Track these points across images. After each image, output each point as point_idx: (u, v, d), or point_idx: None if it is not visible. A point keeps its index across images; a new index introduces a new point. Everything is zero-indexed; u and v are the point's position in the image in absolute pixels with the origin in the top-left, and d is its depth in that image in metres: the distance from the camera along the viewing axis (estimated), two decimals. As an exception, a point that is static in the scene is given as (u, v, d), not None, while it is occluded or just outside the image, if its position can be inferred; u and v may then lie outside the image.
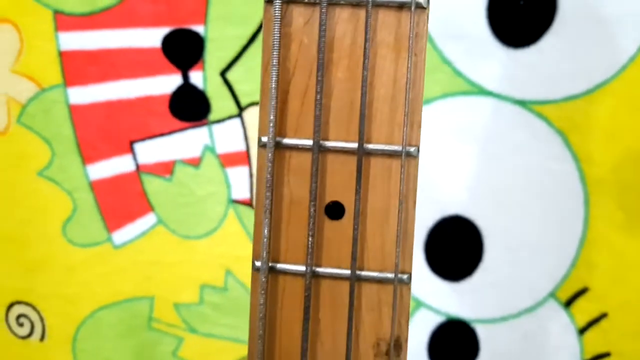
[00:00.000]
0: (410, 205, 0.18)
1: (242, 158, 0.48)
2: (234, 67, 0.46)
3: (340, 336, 0.18)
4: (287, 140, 0.18)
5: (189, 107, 0.47)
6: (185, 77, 0.47)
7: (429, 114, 0.45)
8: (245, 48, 0.46)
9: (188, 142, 0.48)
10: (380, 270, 0.18)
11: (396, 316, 0.18)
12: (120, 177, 0.49)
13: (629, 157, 0.45)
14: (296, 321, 0.18)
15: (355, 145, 0.18)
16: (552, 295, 0.47)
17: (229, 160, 0.48)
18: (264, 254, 0.18)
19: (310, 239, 0.18)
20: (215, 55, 0.46)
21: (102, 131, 0.48)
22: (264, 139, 0.18)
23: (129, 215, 0.49)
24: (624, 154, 0.44)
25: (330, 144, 0.18)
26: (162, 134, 0.48)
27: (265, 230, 0.17)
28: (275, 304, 0.18)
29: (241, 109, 0.47)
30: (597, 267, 0.46)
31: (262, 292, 0.18)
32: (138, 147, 0.48)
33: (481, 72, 0.44)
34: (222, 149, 0.48)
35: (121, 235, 0.50)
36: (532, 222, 0.46)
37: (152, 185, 0.49)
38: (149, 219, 0.49)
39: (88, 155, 0.49)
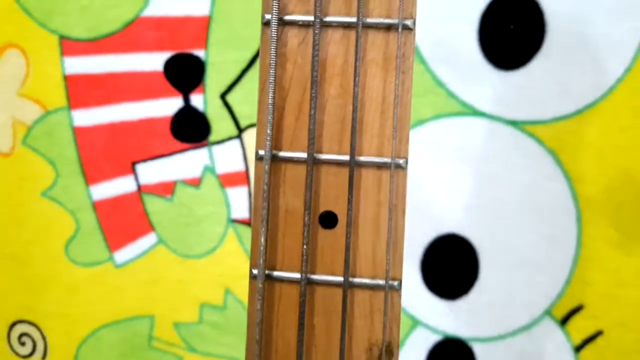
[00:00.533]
0: (400, 214, 0.19)
1: (242, 178, 0.49)
2: (234, 90, 0.48)
3: (334, 341, 0.19)
4: (283, 153, 0.19)
5: (190, 128, 0.48)
6: (186, 99, 0.48)
7: (423, 134, 0.46)
8: (244, 72, 0.47)
9: (189, 162, 0.49)
10: (372, 277, 0.19)
11: (387, 322, 0.19)
12: (122, 198, 0.50)
13: (620, 176, 0.46)
14: (292, 327, 0.19)
15: (347, 157, 0.19)
16: (548, 313, 0.47)
17: (228, 180, 0.49)
18: (261, 262, 0.19)
19: (305, 247, 0.18)
20: (216, 78, 0.47)
21: (105, 152, 0.50)
22: (261, 152, 0.19)
23: (131, 235, 0.50)
24: (615, 173, 0.45)
25: (323, 156, 0.19)
26: (163, 155, 0.49)
27: (262, 239, 0.18)
28: (271, 311, 0.19)
29: (240, 130, 0.48)
30: (591, 284, 0.47)
31: (259, 298, 0.19)
32: (140, 167, 0.49)
33: (474, 93, 0.45)
34: (221, 169, 0.49)
35: (122, 254, 0.50)
36: (527, 240, 0.46)
37: (153, 205, 0.49)
38: (149, 239, 0.50)
39: (91, 176, 0.50)
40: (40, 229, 0.51)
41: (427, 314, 0.48)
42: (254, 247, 0.19)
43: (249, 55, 0.47)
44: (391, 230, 0.18)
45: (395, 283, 0.19)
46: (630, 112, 0.44)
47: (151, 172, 0.49)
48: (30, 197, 0.51)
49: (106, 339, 0.51)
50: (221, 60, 0.47)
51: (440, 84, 0.45)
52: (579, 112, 0.45)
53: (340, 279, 0.19)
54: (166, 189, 0.49)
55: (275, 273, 0.19)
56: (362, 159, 0.19)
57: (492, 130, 0.46)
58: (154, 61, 0.48)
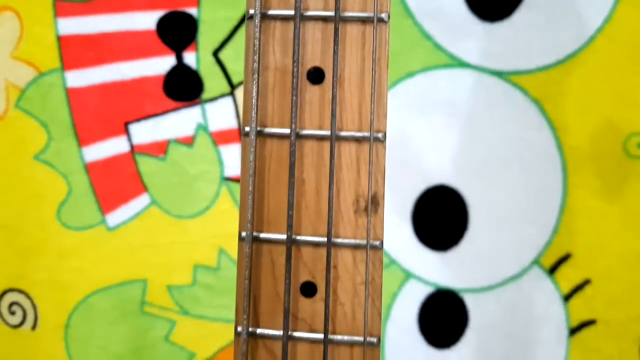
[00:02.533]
0: (383, 67, 0.20)
1: (234, 135, 0.49)
2: (226, 47, 0.48)
3: (323, 195, 0.20)
4: (271, 12, 0.20)
5: (183, 87, 0.49)
6: (179, 57, 0.49)
7: (412, 87, 0.47)
8: (236, 29, 0.48)
9: (181, 121, 0.49)
10: (358, 130, 0.20)
11: (373, 173, 0.19)
12: (115, 159, 0.50)
13: (603, 125, 0.47)
14: (282, 182, 0.20)
15: (332, 13, 0.20)
16: (537, 262, 0.48)
17: (221, 138, 0.49)
18: (253, 115, 0.19)
19: (294, 98, 0.19)
20: (208, 36, 0.48)
21: (97, 113, 0.50)
22: (251, 10, 0.20)
23: (123, 197, 0.50)
24: (598, 122, 0.46)
25: (310, 13, 0.20)
26: (156, 114, 0.49)
27: (254, 93, 0.19)
28: (263, 168, 0.20)
29: (233, 87, 0.49)
30: (578, 233, 0.47)
31: (252, 150, 0.19)
32: (133, 127, 0.50)
33: (460, 46, 0.46)
34: (214, 127, 0.49)
35: (115, 217, 0.50)
36: (514, 190, 0.47)
37: (146, 165, 0.50)
38: (142, 200, 0.50)
39: (84, 137, 0.50)
40: (33, 194, 0.51)
41: (419, 266, 0.49)
42: (246, 105, 0.19)
43: (240, 12, 0.48)
44: (375, 83, 0.19)
45: (380, 134, 0.19)
46: (611, 62, 0.45)
47: (144, 131, 0.50)
48: (23, 162, 0.51)
49: (97, 306, 0.51)
50: (213, 18, 0.48)
51: (427, 36, 0.46)
52: (561, 62, 0.46)
53: (328, 132, 0.20)
54: (159, 149, 0.50)
55: (267, 130, 0.20)
56: (346, 13, 0.19)
57: (478, 82, 0.47)
58: (147, 20, 0.48)
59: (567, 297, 0.48)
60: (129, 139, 0.50)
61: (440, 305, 0.49)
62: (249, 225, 0.19)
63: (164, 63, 0.49)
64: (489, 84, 0.47)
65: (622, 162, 0.46)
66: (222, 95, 0.49)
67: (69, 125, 0.50)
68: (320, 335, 0.20)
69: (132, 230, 0.50)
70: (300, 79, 0.20)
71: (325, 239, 0.20)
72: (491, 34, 0.46)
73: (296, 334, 0.21)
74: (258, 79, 0.19)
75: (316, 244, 0.20)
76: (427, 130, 0.47)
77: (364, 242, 0.20)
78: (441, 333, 0.49)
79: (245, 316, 0.19)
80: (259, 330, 0.21)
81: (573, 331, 0.48)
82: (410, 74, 0.47)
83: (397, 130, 0.47)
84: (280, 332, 0.20)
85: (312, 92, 0.20)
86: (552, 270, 0.48)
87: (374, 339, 0.20)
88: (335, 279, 0.20)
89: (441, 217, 0.48)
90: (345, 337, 0.20)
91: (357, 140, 0.20)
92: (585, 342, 0.48)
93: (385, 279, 0.48)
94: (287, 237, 0.20)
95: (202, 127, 0.49)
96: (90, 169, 0.50)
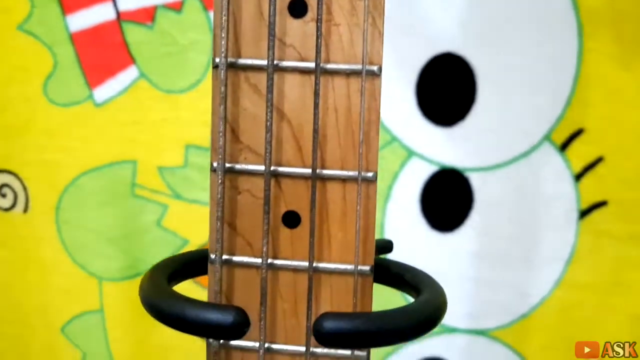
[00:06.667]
0: None
1: (227, -1, 0.46)
2: None
3: None
4: None
5: (171, -56, 0.46)
6: None
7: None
8: None
9: (170, -17, 0.46)
10: None
11: None
12: (101, 27, 0.47)
13: (623, -17, 0.43)
14: None
15: None
16: (547, 138, 0.45)
17: (212, 1, 0.46)
18: None
19: None
20: None
21: (82, -25, 0.47)
22: None
23: (110, 69, 0.48)
24: (617, -21, 0.43)
25: None
26: (143, -24, 0.46)
27: None
28: None
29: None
30: (592, 105, 0.45)
31: None
32: (119, -9, 0.47)
33: None
34: (205, -11, 0.46)
35: (102, 91, 0.48)
36: (526, 56, 0.44)
37: (134, 34, 0.47)
38: (130, 73, 0.47)
39: (68, 4, 0.47)
40: (18, 67, 0.48)
41: (422, 143, 0.46)
42: None
43: None
44: None
45: None
46: None
47: (131, -4, 0.46)
48: (7, 33, 0.48)
49: (87, 188, 0.49)
50: None
51: None
52: None
53: None
54: (146, 16, 0.47)
55: None
56: None
57: (490, -64, 0.43)
58: None
59: (578, 177, 0.45)
60: (115, 5, 0.47)
61: (444, 186, 0.46)
62: None
63: None
64: (501, -62, 0.43)
65: (641, 25, 0.43)
66: (214, -47, 0.45)
67: (51, -10, 0.47)
68: (312, 64, 0.17)
69: (120, 105, 0.48)
70: None
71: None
72: None
73: (284, 63, 0.18)
74: None
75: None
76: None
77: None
78: (444, 215, 0.47)
79: (223, 43, 0.16)
80: (240, 61, 0.18)
81: (583, 214, 0.46)
82: None
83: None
84: (265, 62, 0.18)
85: None
86: (563, 147, 0.45)
87: (375, 67, 0.17)
88: (329, -6, 0.17)
89: (447, 89, 0.45)
90: (342, 66, 0.17)
91: None
92: (596, 224, 0.45)
93: (386, 158, 0.46)
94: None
95: (193, -10, 0.46)
96: (75, 39, 0.47)
